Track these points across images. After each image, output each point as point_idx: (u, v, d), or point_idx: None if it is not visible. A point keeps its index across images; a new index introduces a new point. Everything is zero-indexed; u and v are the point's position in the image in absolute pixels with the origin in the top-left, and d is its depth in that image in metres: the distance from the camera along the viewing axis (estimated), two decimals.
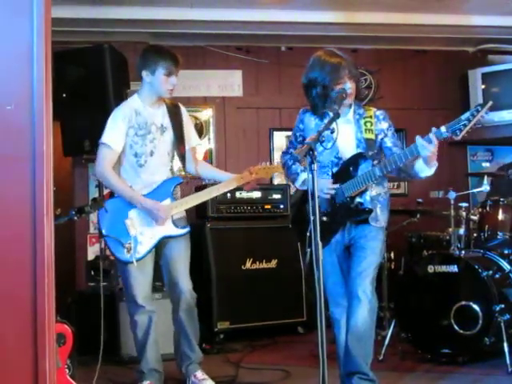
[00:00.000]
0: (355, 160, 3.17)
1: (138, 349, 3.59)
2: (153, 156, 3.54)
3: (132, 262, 3.42)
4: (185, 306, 3.59)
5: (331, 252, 3.20)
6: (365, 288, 3.11)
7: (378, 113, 3.26)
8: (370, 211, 3.16)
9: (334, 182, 3.20)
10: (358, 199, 3.16)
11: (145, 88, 3.57)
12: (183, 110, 3.73)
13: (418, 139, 2.94)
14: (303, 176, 3.25)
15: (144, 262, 3.49)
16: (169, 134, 3.61)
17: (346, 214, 3.18)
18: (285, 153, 3.45)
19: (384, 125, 3.23)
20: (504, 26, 5.58)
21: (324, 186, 3.15)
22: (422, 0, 5.15)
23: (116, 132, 3.50)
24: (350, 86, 3.13)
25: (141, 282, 3.52)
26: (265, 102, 6.02)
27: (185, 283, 3.58)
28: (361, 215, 3.17)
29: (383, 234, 3.26)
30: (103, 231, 3.47)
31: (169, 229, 3.52)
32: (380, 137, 3.21)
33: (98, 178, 3.65)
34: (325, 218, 3.16)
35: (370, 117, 3.22)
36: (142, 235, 3.48)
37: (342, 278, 3.25)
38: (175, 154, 3.67)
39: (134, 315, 3.56)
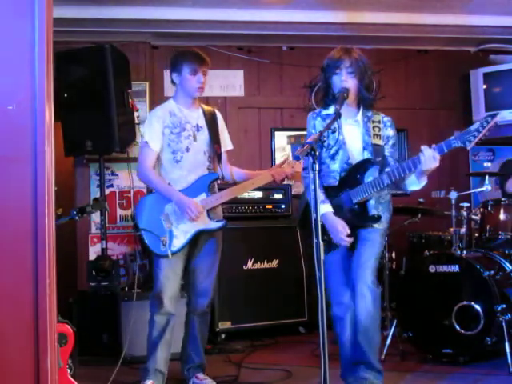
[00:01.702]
0: (363, 166, 3.17)
1: (149, 347, 3.59)
2: (189, 152, 3.59)
3: (167, 255, 3.45)
4: (200, 311, 3.65)
5: (335, 251, 3.21)
6: (366, 280, 3.16)
7: (386, 119, 3.28)
8: (379, 218, 3.18)
9: (340, 187, 3.20)
10: (364, 205, 3.17)
11: (178, 91, 3.66)
12: (219, 116, 3.81)
13: (427, 150, 2.91)
14: (322, 209, 3.10)
15: (176, 261, 3.53)
16: (204, 134, 3.66)
17: (354, 220, 3.18)
18: (305, 169, 3.29)
19: (390, 132, 3.25)
20: (506, 26, 5.57)
21: (339, 234, 3.12)
22: (423, 0, 5.14)
23: (153, 132, 3.57)
24: (343, 78, 3.14)
25: (171, 279, 3.54)
26: (266, 102, 6.02)
27: (206, 289, 3.64)
28: (368, 221, 3.20)
29: (384, 229, 3.29)
30: (139, 225, 3.51)
31: (204, 223, 3.56)
32: (383, 143, 3.22)
33: (139, 177, 3.70)
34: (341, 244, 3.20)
35: (379, 122, 3.23)
36: (178, 229, 3.51)
37: (344, 276, 3.25)
38: (212, 154, 3.69)
39: (154, 314, 3.57)
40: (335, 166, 3.23)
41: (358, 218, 3.19)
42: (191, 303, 3.68)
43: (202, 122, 3.67)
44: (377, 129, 3.20)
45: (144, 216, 3.54)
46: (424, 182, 3.08)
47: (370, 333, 3.17)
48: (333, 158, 3.23)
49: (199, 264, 3.64)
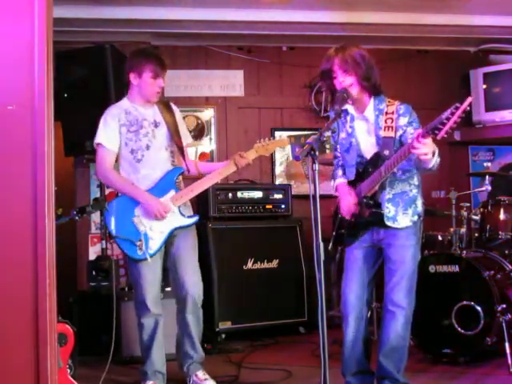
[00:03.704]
0: (373, 160, 3.13)
1: (143, 350, 3.57)
2: (149, 150, 3.52)
3: (146, 259, 3.41)
4: (192, 307, 3.57)
5: (354, 248, 3.20)
6: (398, 302, 3.09)
7: (399, 107, 3.15)
8: (380, 213, 3.09)
9: (357, 182, 3.19)
10: (374, 199, 3.10)
11: (134, 91, 3.58)
12: (175, 108, 3.74)
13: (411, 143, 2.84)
14: (336, 182, 3.32)
15: (154, 262, 3.48)
16: (163, 129, 3.59)
17: (362, 214, 3.14)
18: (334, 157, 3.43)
19: (403, 120, 3.11)
20: (506, 26, 5.57)
21: (346, 202, 3.22)
22: (423, 0, 5.14)
23: (108, 131, 3.51)
24: (341, 79, 3.09)
25: (150, 282, 3.50)
26: (266, 102, 6.02)
27: (193, 284, 3.56)
28: (374, 217, 3.11)
29: (413, 234, 3.13)
30: (112, 232, 3.46)
31: (177, 220, 3.52)
32: (399, 133, 3.10)
33: (100, 179, 3.65)
34: (347, 217, 3.19)
35: (392, 112, 3.12)
36: (152, 230, 3.47)
37: (359, 275, 3.19)
38: (174, 148, 3.63)
39: (141, 317, 3.54)
40: (351, 159, 3.22)
41: (365, 212, 3.12)
42: (181, 301, 3.57)
43: (159, 118, 3.60)
44: (389, 120, 3.10)
45: (115, 221, 3.47)
46: (434, 160, 2.88)
47: (397, 354, 3.13)
48: (347, 151, 3.22)
49: (178, 262, 3.56)
